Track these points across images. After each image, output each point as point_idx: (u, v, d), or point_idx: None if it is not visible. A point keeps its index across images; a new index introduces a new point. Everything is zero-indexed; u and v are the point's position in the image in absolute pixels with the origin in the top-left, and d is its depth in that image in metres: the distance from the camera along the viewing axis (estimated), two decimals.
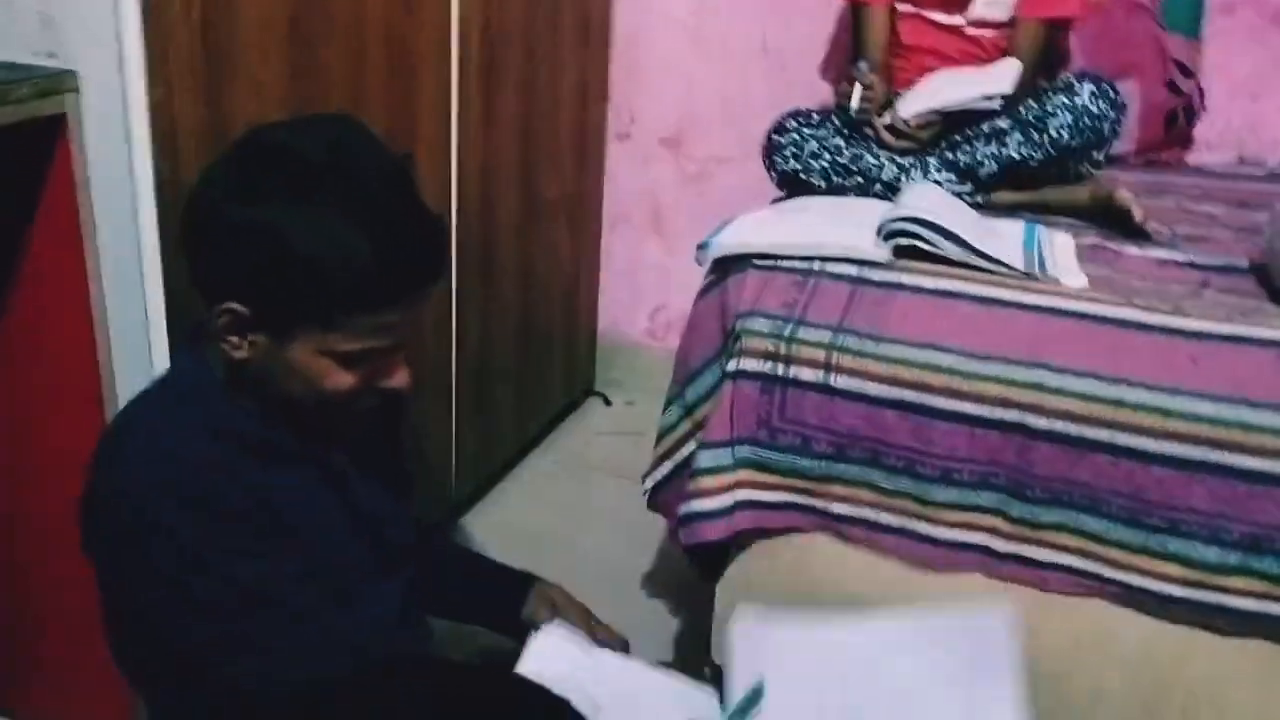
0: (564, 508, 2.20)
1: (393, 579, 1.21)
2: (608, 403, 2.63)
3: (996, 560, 1.31)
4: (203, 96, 1.21)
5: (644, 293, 2.63)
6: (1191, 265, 1.49)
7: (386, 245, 0.94)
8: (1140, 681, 1.31)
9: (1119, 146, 2.01)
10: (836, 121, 1.81)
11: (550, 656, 1.16)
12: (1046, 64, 1.87)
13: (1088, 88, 1.62)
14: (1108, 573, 1.27)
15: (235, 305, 0.95)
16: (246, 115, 1.27)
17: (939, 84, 1.78)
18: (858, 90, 1.72)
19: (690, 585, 1.72)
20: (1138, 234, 1.59)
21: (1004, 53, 1.81)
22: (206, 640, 0.99)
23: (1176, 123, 2.03)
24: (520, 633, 1.21)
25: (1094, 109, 1.61)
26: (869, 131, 1.75)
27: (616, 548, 2.00)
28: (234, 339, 0.98)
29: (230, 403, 1.03)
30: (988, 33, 1.84)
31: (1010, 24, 1.81)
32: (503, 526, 2.10)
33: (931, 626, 1.17)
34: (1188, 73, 2.01)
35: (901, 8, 1.89)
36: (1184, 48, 2.02)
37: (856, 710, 1.13)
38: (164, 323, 1.23)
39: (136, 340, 1.23)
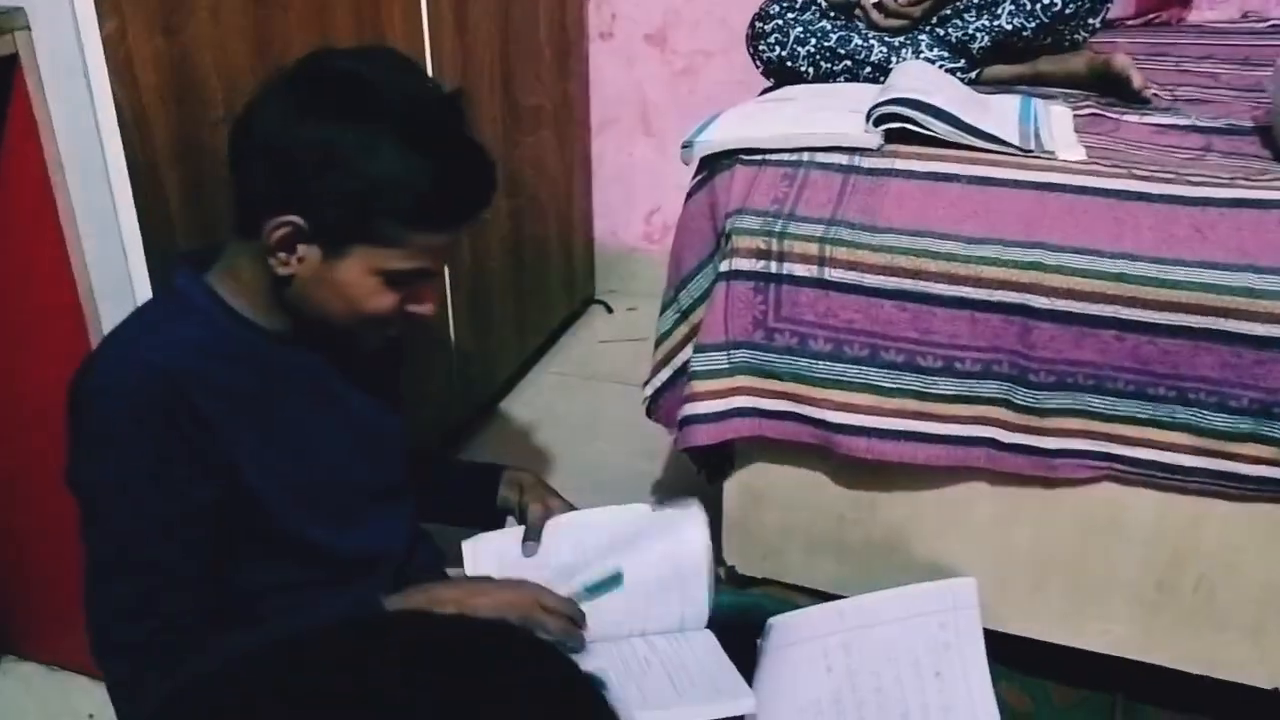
0: (569, 418, 2.20)
1: (398, 500, 1.22)
2: (609, 310, 2.61)
3: (1001, 452, 1.29)
4: (158, 25, 1.17)
5: (638, 196, 2.59)
6: (1193, 129, 1.45)
7: (447, 168, 0.99)
8: (1154, 559, 1.31)
9: (1117, 9, 1.95)
10: (822, 4, 1.75)
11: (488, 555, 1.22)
12: None
13: None
14: (1116, 449, 1.25)
15: (295, 218, 0.98)
16: (206, 41, 1.23)
17: None
18: None
19: (700, 490, 1.72)
20: (1137, 100, 1.54)
21: None
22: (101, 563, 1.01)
23: None
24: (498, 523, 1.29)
25: None
26: (858, 13, 1.69)
27: (624, 455, 2.00)
28: (283, 254, 1.00)
29: (230, 312, 1.05)
30: None
31: None
32: (508, 440, 2.10)
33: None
34: None
35: None
36: None
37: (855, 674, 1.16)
38: (142, 253, 1.20)
39: (116, 272, 1.21)
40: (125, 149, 1.14)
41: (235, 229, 1.05)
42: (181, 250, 1.17)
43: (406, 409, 1.25)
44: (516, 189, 2.10)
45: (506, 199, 2.07)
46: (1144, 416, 1.23)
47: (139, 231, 1.19)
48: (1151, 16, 1.98)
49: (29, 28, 1.09)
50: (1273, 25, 1.92)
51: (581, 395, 2.31)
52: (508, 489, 1.32)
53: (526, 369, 2.34)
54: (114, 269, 1.20)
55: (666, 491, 1.92)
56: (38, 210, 1.16)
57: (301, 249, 1.00)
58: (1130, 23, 1.96)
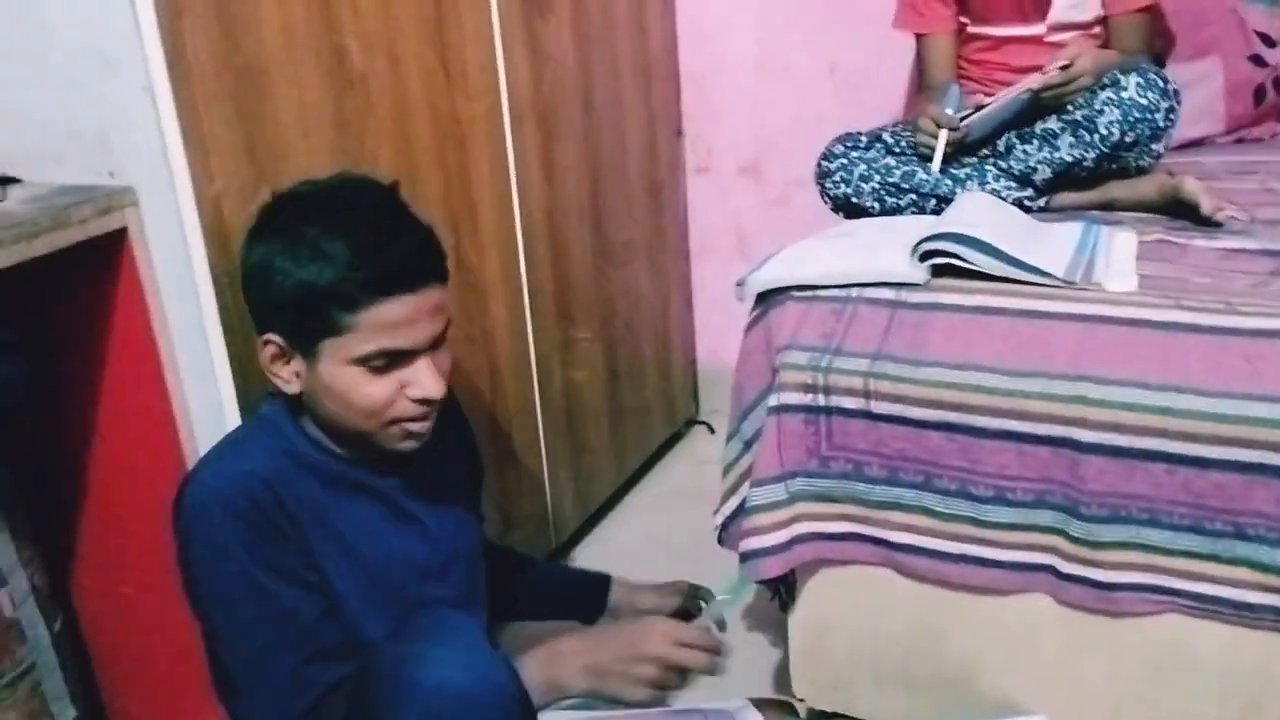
0: (668, 539, 2.23)
1: (471, 611, 1.29)
2: (712, 431, 2.66)
3: (1062, 581, 1.28)
4: (250, 191, 1.31)
5: (738, 319, 2.62)
6: (1264, 253, 1.42)
7: (364, 243, 1.08)
8: (1229, 698, 1.25)
9: (1206, 125, 1.93)
10: (888, 141, 1.80)
11: None
12: (1144, 50, 1.81)
13: (1134, 80, 1.56)
14: (1177, 584, 1.22)
15: (271, 336, 1.12)
16: None
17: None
18: (942, 139, 1.67)
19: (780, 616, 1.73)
20: (1209, 224, 1.52)
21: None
22: (244, 662, 1.11)
23: (1265, 97, 1.93)
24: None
25: (1143, 101, 1.55)
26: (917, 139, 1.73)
27: (719, 578, 2.01)
28: (282, 373, 1.13)
29: (304, 434, 1.17)
30: (1068, 35, 1.79)
31: (1095, 24, 1.77)
32: (605, 561, 2.14)
33: None
34: (1271, 44, 1.91)
35: (974, 28, 1.86)
36: (1265, 18, 1.91)
37: None
38: (235, 397, 1.32)
39: (214, 418, 1.33)
40: (219, 310, 1.28)
41: None
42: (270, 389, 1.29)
43: (501, 527, 1.33)
44: (609, 319, 2.19)
45: (600, 328, 2.16)
46: (1203, 551, 1.20)
47: (233, 383, 1.31)
48: (1242, 134, 1.94)
49: (137, 204, 1.24)
50: None
51: (681, 516, 2.33)
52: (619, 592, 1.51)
53: (627, 489, 2.39)
54: (211, 415, 1.32)
55: (754, 619, 1.93)
56: (143, 366, 1.29)
57: (291, 364, 1.12)
58: (1220, 140, 1.94)
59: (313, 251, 1.07)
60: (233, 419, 1.33)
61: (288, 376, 1.13)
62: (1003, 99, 1.65)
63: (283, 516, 1.11)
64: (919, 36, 1.91)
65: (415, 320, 1.11)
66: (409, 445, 1.17)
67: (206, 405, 1.32)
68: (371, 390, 1.11)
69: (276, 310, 1.11)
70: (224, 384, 1.32)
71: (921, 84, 1.93)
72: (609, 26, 2.09)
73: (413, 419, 1.15)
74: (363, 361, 1.10)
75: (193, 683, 1.31)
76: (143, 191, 1.25)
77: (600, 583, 1.52)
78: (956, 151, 1.69)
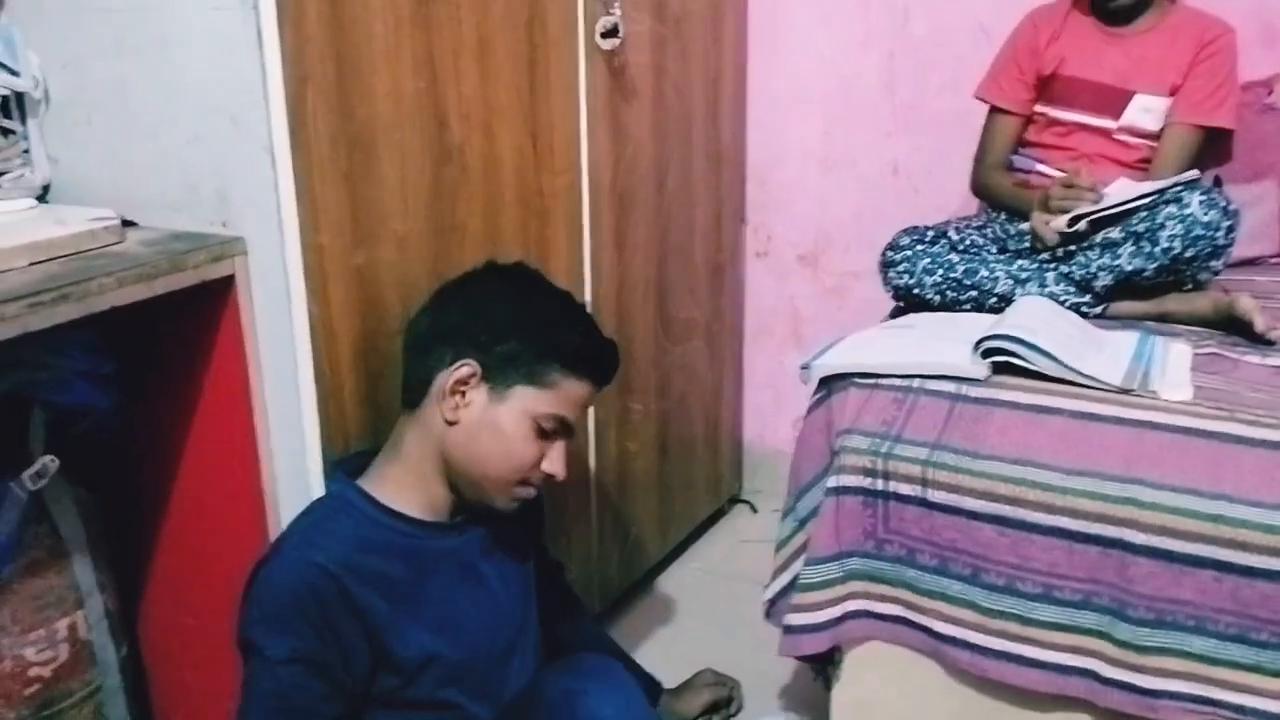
0: (707, 615, 2.26)
1: (529, 667, 1.37)
2: (754, 510, 2.69)
3: (1103, 685, 1.30)
4: (351, 251, 1.39)
5: (787, 402, 2.70)
6: None
7: (590, 330, 1.35)
8: None
9: (1259, 246, 1.98)
10: (953, 237, 1.86)
11: None
12: (1211, 169, 1.89)
13: (1197, 197, 1.61)
14: (1219, 694, 1.24)
15: (472, 359, 1.27)
16: (389, 263, 1.45)
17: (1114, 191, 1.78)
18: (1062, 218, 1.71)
19: (820, 698, 1.75)
20: (1262, 341, 1.56)
21: (1146, 161, 1.85)
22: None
23: None
24: None
25: (1205, 218, 1.60)
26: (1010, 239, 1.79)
27: (757, 657, 2.04)
28: (455, 398, 1.27)
29: (376, 505, 1.27)
30: (1134, 139, 1.87)
31: (1160, 134, 1.85)
32: (644, 633, 2.17)
33: None
34: None
35: (1049, 112, 1.94)
36: None
37: None
38: (319, 453, 1.39)
39: (298, 471, 1.39)
40: (313, 357, 1.35)
41: (405, 402, 1.30)
42: (335, 459, 1.36)
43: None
44: (665, 393, 2.25)
45: (656, 401, 2.22)
46: (1247, 662, 1.22)
47: (319, 429, 1.38)
48: None
49: (246, 254, 1.33)
50: None
51: (721, 593, 2.37)
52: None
53: (669, 563, 2.43)
54: (296, 467, 1.38)
55: (790, 699, 1.95)
56: (235, 407, 1.37)
57: (470, 393, 1.26)
58: (1273, 260, 1.98)
59: (557, 320, 1.32)
60: (315, 475, 1.39)
61: (457, 403, 1.26)
62: (1120, 199, 1.69)
63: (346, 612, 1.20)
64: (992, 110, 1.99)
65: (586, 408, 1.37)
66: (511, 508, 1.31)
67: (290, 451, 1.39)
68: (528, 448, 1.28)
69: (499, 341, 1.27)
70: (310, 431, 1.38)
71: (981, 157, 2.00)
72: (685, 115, 2.18)
73: (531, 487, 1.31)
74: (538, 420, 1.27)
75: None
76: (252, 243, 1.33)
77: (653, 688, 1.72)
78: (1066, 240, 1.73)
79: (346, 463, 1.33)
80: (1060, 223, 1.69)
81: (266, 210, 1.30)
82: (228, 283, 1.33)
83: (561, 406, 1.29)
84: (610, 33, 1.82)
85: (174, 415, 1.43)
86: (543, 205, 1.76)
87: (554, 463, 1.31)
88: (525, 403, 1.27)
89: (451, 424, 1.27)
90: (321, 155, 1.33)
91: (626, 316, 2.06)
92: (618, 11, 1.82)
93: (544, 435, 1.29)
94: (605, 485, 2.06)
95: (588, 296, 1.91)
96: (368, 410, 1.44)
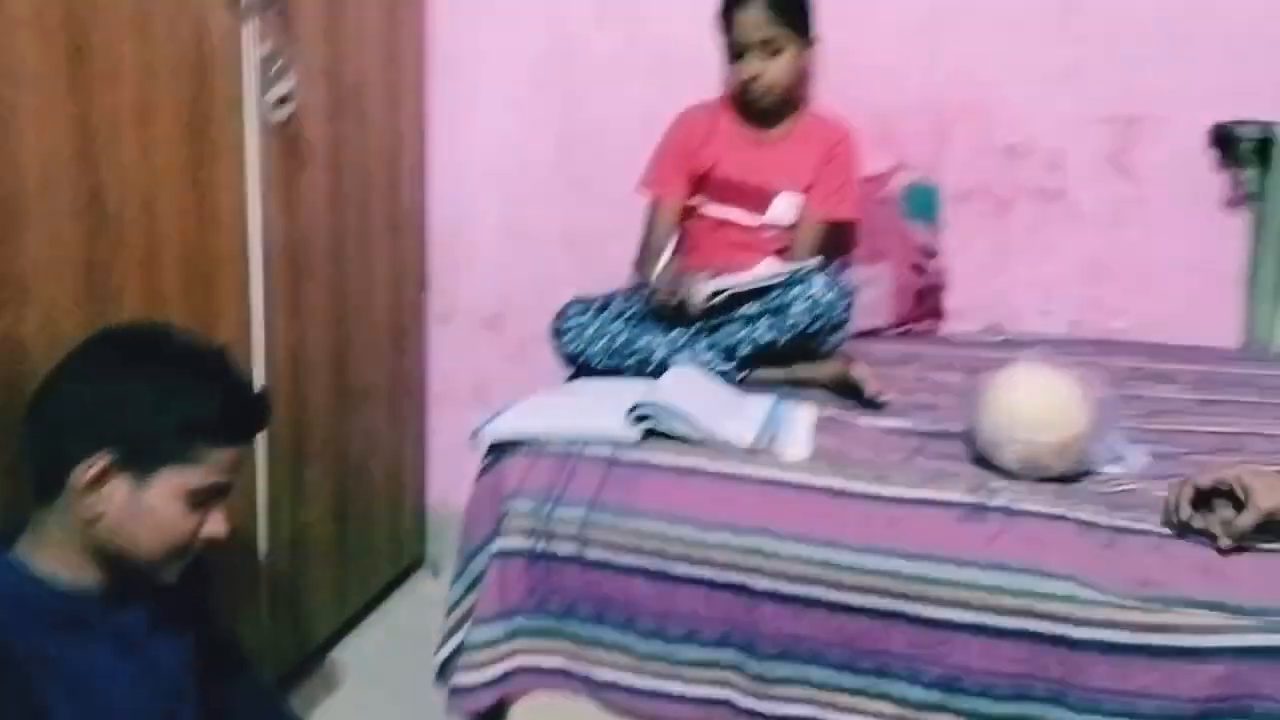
0: (383, 682, 2.25)
1: None
2: (435, 574, 2.72)
3: (736, 714, 1.44)
4: None
5: (470, 466, 2.73)
6: (912, 432, 1.70)
7: (230, 389, 1.27)
8: None
9: (878, 318, 2.26)
10: (617, 306, 2.01)
11: None
12: (837, 254, 2.14)
13: (820, 280, 1.84)
14: (833, 717, 1.41)
15: (105, 455, 1.17)
16: (34, 334, 1.38)
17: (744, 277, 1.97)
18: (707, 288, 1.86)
19: None
20: (872, 405, 1.80)
21: (784, 250, 2.07)
22: None
23: (925, 299, 2.29)
24: None
25: (826, 297, 1.84)
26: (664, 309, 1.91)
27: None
28: (95, 494, 1.17)
29: (25, 574, 1.19)
30: (774, 233, 2.10)
31: (796, 225, 2.08)
32: (323, 699, 2.14)
33: None
34: (931, 255, 2.29)
35: (704, 206, 2.12)
36: (925, 233, 2.29)
37: None
38: None
39: None
40: None
41: (37, 494, 1.22)
42: None
43: None
44: (344, 459, 2.25)
45: (334, 468, 2.21)
46: (854, 687, 1.40)
47: None
48: (907, 328, 2.30)
49: None
50: (1006, 340, 2.24)
51: (399, 658, 2.37)
52: None
53: (348, 630, 2.40)
54: None
55: None
56: None
57: (109, 488, 1.18)
58: (890, 332, 2.28)
59: (194, 380, 1.23)
60: None
61: (96, 499, 1.18)
62: (748, 282, 1.89)
63: (9, 669, 1.13)
64: (653, 200, 2.16)
65: (240, 466, 1.30)
66: (174, 577, 1.27)
67: None
68: (184, 523, 1.23)
69: (131, 425, 1.19)
70: None
71: (645, 245, 2.16)
72: (363, 183, 2.22)
73: (191, 554, 1.26)
74: (192, 494, 1.22)
75: None
76: None
77: None
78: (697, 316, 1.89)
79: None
80: (700, 296, 1.87)
81: None
82: None
83: (213, 475, 1.24)
84: (282, 101, 1.84)
85: None
86: (209, 272, 1.74)
87: (215, 526, 1.27)
88: (173, 483, 1.21)
89: (95, 519, 1.20)
90: None
91: (302, 383, 2.05)
92: (290, 81, 1.84)
93: (199, 505, 1.24)
94: (278, 559, 2.03)
95: (260, 365, 1.90)
96: (12, 482, 1.37)
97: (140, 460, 1.19)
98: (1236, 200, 2.18)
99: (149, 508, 1.20)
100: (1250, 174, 2.12)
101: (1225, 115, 2.14)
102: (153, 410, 1.20)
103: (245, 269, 1.83)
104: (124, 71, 1.51)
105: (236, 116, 1.76)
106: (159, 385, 1.21)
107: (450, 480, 2.78)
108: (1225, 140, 2.13)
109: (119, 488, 1.19)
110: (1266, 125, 2.09)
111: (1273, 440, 1.69)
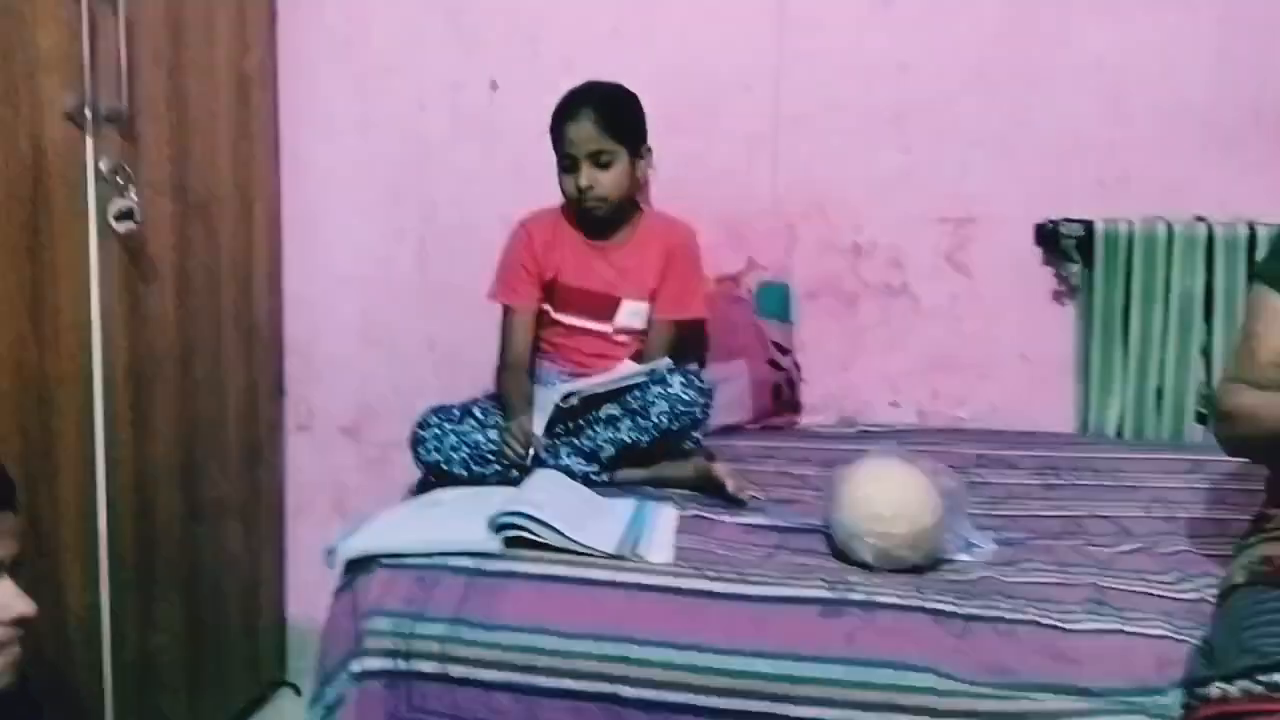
0: None
1: None
2: (298, 692, 2.60)
3: None
4: None
5: (331, 578, 2.66)
6: (774, 528, 1.73)
7: None
8: None
9: (737, 414, 2.31)
10: (479, 416, 1.99)
11: None
12: (692, 352, 2.19)
13: (678, 379, 1.88)
14: None
15: None
16: None
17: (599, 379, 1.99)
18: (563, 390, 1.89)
19: None
20: (735, 502, 1.82)
21: (639, 353, 2.10)
22: None
23: (782, 393, 2.35)
24: None
25: (685, 396, 1.87)
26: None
27: None
28: None
29: None
30: (627, 338, 2.12)
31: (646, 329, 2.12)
32: None
33: None
34: (785, 351, 2.36)
35: (555, 315, 2.14)
36: (779, 330, 2.36)
37: None
38: None
39: None
40: None
41: None
42: None
43: None
44: (195, 578, 2.15)
45: (184, 589, 2.11)
46: None
47: None
48: (766, 423, 2.35)
49: None
50: (860, 431, 2.32)
51: None
52: None
53: None
54: None
55: None
56: None
57: None
58: (749, 427, 2.32)
59: None
60: None
61: None
62: (604, 383, 1.91)
63: None
64: (506, 309, 2.16)
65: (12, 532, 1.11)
66: (9, 679, 1.13)
67: None
68: None
69: None
70: None
71: (502, 355, 2.16)
72: (213, 293, 2.18)
73: (5, 645, 1.12)
74: None
75: None
76: None
77: None
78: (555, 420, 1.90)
79: None
80: (555, 397, 1.89)
81: None
82: None
83: None
84: (125, 215, 1.79)
85: None
86: (48, 394, 1.66)
87: (6, 609, 1.11)
88: None
89: None
90: None
91: (149, 502, 1.97)
92: (133, 195, 1.80)
93: None
94: (124, 684, 1.92)
95: (101, 487, 1.81)
96: None
97: None
98: (1064, 293, 2.32)
99: None
100: (1074, 268, 2.26)
101: (1048, 214, 2.29)
102: None
103: (88, 389, 1.77)
104: None
105: (78, 231, 1.72)
106: None
107: (311, 595, 2.68)
108: (1050, 237, 2.27)
109: None
110: (1087, 223, 2.24)
111: (1112, 521, 1.77)
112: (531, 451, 1.86)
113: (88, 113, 1.71)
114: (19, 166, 1.59)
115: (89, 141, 1.73)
